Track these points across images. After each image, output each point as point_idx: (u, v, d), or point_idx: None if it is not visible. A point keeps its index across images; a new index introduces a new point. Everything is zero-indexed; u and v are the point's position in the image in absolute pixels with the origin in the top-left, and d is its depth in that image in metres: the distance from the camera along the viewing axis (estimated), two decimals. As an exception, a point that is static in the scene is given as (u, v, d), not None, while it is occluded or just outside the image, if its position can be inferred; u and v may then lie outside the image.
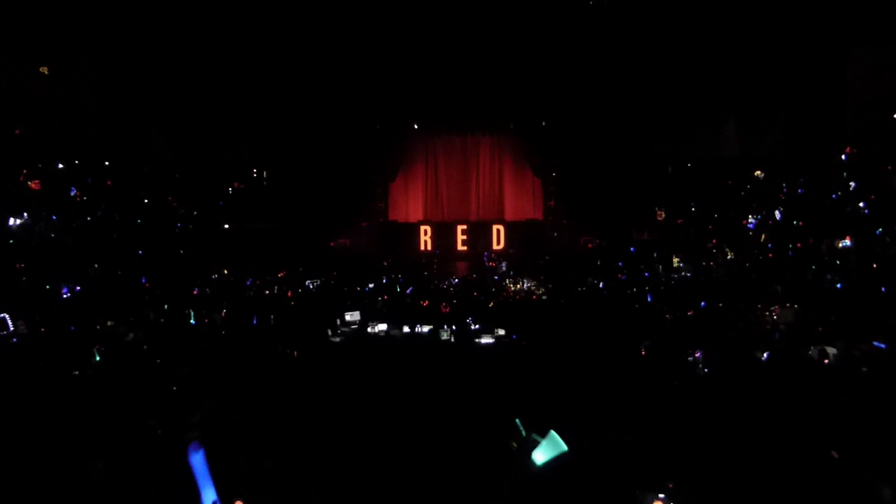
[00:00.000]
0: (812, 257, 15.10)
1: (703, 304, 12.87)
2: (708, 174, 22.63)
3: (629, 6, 19.43)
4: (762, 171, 21.30)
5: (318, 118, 23.35)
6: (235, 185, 23.17)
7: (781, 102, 21.31)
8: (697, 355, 8.22)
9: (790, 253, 16.00)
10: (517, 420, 4.66)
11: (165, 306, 12.57)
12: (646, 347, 8.98)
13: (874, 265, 13.21)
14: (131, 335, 9.89)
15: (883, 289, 11.71)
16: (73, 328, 10.34)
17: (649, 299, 14.46)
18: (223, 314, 12.33)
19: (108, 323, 10.68)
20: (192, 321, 11.32)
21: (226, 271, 17.43)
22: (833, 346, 8.25)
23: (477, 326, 10.91)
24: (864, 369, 7.36)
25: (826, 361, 7.94)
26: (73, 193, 16.15)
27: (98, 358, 8.13)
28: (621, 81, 21.83)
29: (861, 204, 15.75)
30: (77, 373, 7.44)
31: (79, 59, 18.56)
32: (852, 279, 12.94)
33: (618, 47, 20.44)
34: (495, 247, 25.25)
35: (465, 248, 25.52)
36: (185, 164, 21.63)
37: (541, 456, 4.10)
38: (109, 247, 15.53)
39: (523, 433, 4.54)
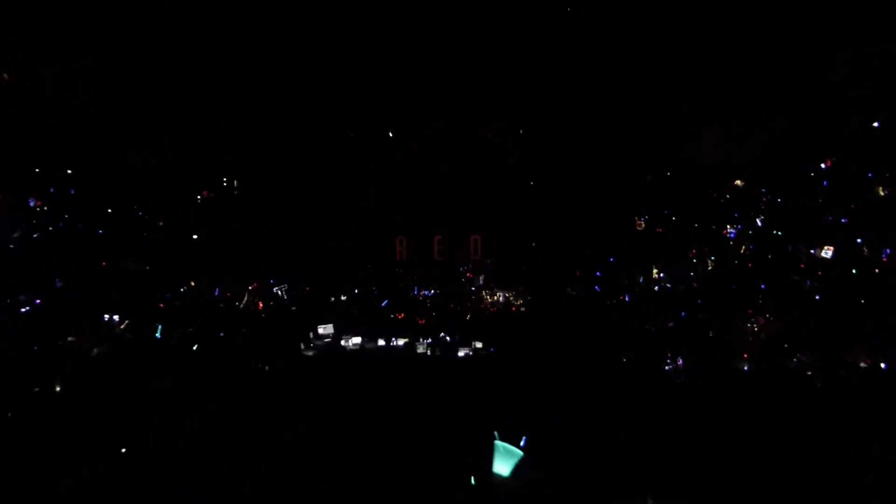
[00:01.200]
0: (791, 266, 15.10)
1: (682, 314, 12.78)
2: (688, 183, 22.68)
3: (610, 17, 19.43)
4: (743, 179, 21.38)
5: (291, 127, 23.07)
6: (205, 193, 22.74)
7: (763, 111, 21.40)
8: (680, 363, 8.13)
9: (770, 262, 15.99)
10: (495, 433, 4.66)
11: (128, 321, 12.15)
12: (626, 358, 8.86)
13: (853, 271, 13.24)
14: (95, 350, 9.55)
15: (862, 298, 11.71)
16: (33, 343, 9.91)
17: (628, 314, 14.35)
18: (192, 327, 11.98)
19: (69, 339, 10.27)
20: (157, 335, 10.96)
21: (193, 283, 16.99)
22: (813, 356, 8.20)
23: (455, 338, 10.74)
24: (842, 373, 7.35)
25: (808, 373, 7.86)
26: (31, 204, 15.61)
27: (60, 377, 7.86)
28: (601, 91, 21.83)
29: (841, 216, 15.80)
30: (38, 390, 7.19)
31: (56, 67, 18.04)
32: (832, 288, 12.93)
33: (598, 57, 20.44)
34: (473, 257, 25.07)
35: (441, 258, 25.27)
36: (156, 173, 21.16)
37: (503, 468, 4.22)
38: (73, 258, 15.04)
39: (498, 445, 4.58)
